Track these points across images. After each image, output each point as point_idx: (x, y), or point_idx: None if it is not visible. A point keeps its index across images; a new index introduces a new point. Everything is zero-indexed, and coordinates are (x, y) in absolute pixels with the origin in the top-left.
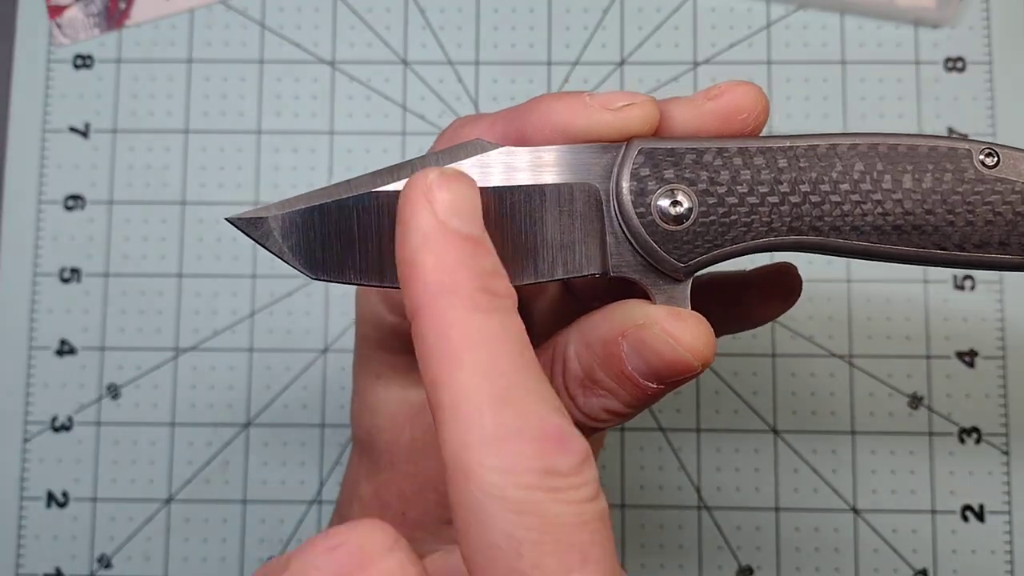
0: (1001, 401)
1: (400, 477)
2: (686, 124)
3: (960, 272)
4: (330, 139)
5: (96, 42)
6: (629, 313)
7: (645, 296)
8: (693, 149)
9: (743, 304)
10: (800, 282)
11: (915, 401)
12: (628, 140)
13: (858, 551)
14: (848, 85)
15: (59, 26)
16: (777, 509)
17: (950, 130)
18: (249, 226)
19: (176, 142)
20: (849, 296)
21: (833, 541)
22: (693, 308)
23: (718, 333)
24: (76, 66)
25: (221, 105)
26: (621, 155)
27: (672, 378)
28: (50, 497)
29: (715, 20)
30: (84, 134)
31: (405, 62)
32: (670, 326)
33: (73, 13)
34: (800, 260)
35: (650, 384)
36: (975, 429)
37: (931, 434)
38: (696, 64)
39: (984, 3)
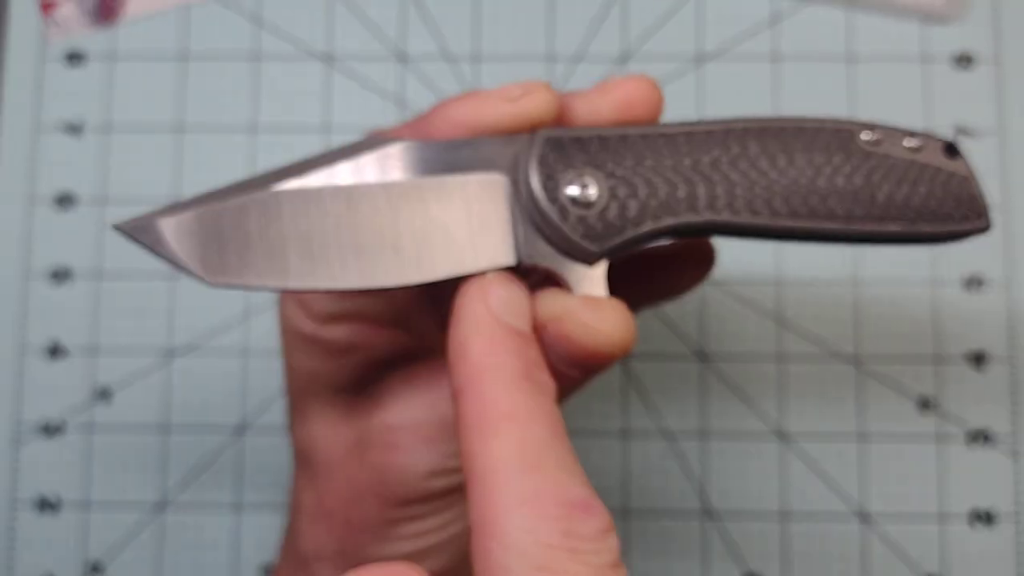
0: (1010, 404)
1: (339, 483)
2: (585, 118)
3: (969, 273)
4: (326, 136)
5: (89, 38)
6: (547, 305)
7: (559, 285)
8: (598, 136)
9: (659, 274)
10: (713, 252)
11: (923, 404)
12: (533, 130)
13: (865, 556)
14: (854, 82)
15: (52, 22)
16: (783, 514)
17: (957, 127)
18: (138, 231)
19: (170, 139)
20: (856, 298)
21: (840, 546)
22: (610, 284)
23: (639, 305)
24: (69, 62)
25: (216, 101)
26: (527, 145)
27: (593, 366)
28: (42, 502)
29: (720, 15)
30: (77, 131)
31: (403, 57)
32: (587, 316)
33: (66, 9)
34: (804, 261)
35: (572, 372)
36: (984, 432)
37: (939, 437)
38: (700, 60)
39: None
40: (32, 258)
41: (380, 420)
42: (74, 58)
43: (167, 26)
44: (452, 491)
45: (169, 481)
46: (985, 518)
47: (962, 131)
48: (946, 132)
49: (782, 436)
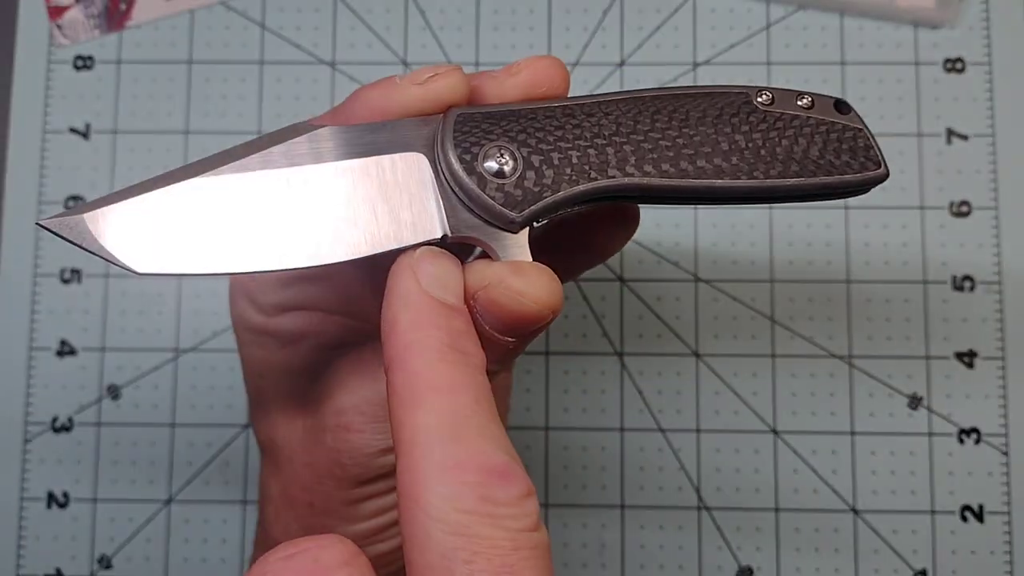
0: (1000, 402)
1: (300, 469)
2: (494, 97)
3: (960, 273)
4: None
5: (96, 43)
6: (475, 275)
7: (486, 255)
8: (509, 111)
9: (586, 236)
10: (637, 212)
11: (915, 402)
12: (446, 110)
13: (858, 551)
14: (848, 86)
15: (60, 27)
16: (777, 510)
17: (949, 131)
18: (62, 228)
19: (176, 143)
20: (849, 297)
21: (833, 542)
22: (542, 251)
23: (571, 273)
24: (77, 67)
25: (221, 106)
26: (442, 122)
27: (526, 330)
28: (50, 498)
29: (715, 21)
30: (84, 135)
31: (405, 63)
32: (514, 282)
33: (74, 14)
34: (798, 261)
35: (507, 339)
36: (974, 430)
37: (931, 435)
38: (696, 65)
39: (984, 4)
40: (41, 259)
41: (332, 403)
42: (82, 63)
43: (173, 31)
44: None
45: (176, 477)
46: (975, 514)
47: (954, 134)
48: (938, 134)
49: (776, 432)
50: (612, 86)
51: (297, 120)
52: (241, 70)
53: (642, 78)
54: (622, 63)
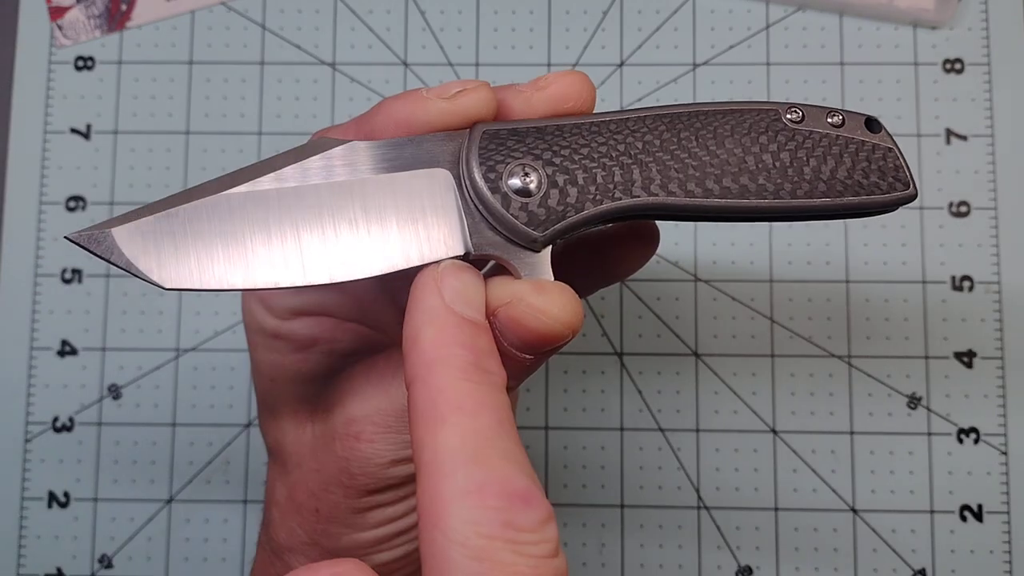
0: (999, 401)
1: (307, 475)
2: (520, 112)
3: (958, 273)
4: None
5: (97, 43)
6: (496, 291)
7: (507, 272)
8: (534, 128)
9: (606, 255)
10: (657, 232)
11: (914, 401)
12: (472, 125)
13: (857, 551)
14: (847, 86)
15: (60, 28)
16: (776, 509)
17: (948, 131)
18: (91, 242)
19: (177, 143)
20: (848, 297)
21: (832, 541)
22: (561, 268)
23: (590, 289)
24: (77, 67)
25: (222, 106)
26: (467, 139)
27: (545, 348)
28: (51, 497)
29: (714, 22)
30: (85, 135)
31: (405, 63)
32: (535, 300)
33: (74, 15)
34: (797, 261)
35: (526, 356)
36: (973, 429)
37: (930, 434)
38: (695, 65)
39: (982, 4)
40: (42, 259)
41: (343, 412)
42: (83, 63)
43: (174, 32)
44: (415, 478)
45: (177, 477)
46: (974, 513)
47: (952, 134)
48: (937, 135)
49: (775, 432)
50: (612, 87)
51: (297, 120)
52: (242, 70)
53: (642, 79)
54: (622, 64)
